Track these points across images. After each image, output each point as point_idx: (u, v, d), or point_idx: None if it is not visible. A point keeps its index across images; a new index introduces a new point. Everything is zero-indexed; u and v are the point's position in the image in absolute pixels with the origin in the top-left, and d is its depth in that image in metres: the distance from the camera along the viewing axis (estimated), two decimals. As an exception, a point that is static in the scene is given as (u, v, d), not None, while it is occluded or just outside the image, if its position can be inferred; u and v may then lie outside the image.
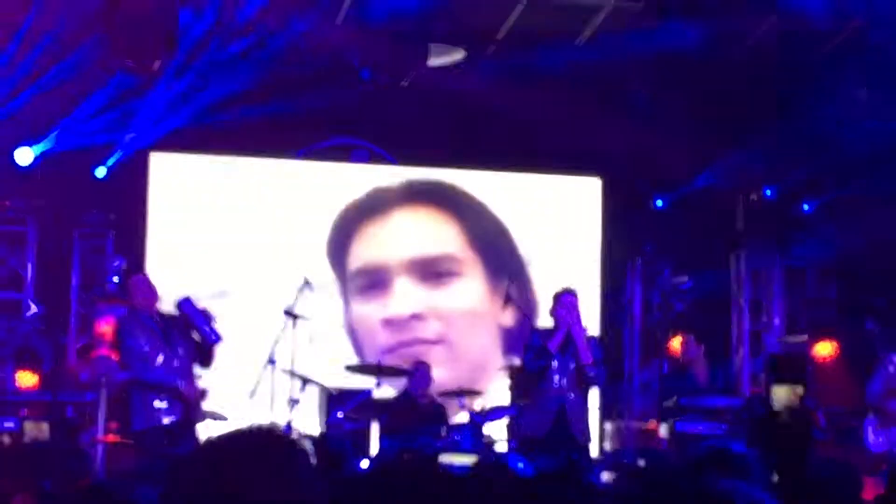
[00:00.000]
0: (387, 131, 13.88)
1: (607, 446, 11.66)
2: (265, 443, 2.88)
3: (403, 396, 11.94)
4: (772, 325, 14.37)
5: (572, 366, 10.01)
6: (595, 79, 13.28)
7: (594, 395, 11.08)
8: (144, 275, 9.95)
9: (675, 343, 13.95)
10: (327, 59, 12.74)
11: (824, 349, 13.75)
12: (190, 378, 9.45)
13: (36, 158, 12.59)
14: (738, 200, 14.47)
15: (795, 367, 11.94)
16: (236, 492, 2.76)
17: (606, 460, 11.66)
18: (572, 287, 10.44)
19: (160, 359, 9.38)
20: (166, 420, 9.30)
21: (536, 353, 9.99)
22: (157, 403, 9.28)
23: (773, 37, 12.57)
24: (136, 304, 9.49)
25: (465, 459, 9.47)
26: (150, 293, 9.49)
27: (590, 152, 13.84)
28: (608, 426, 12.47)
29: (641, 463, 9.93)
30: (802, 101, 12.92)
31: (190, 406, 9.40)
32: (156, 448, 9.10)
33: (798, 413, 10.96)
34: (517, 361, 11.02)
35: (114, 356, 9.83)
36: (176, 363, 9.36)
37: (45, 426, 8.69)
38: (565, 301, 10.11)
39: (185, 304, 9.48)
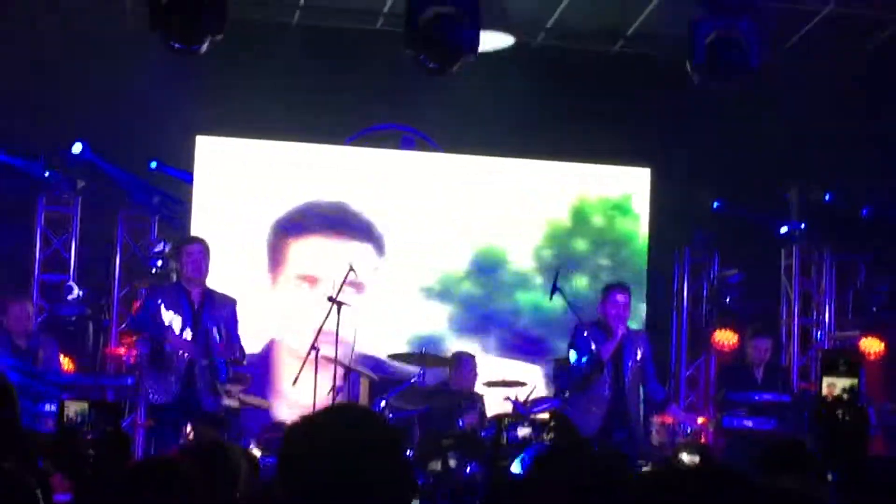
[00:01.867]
0: (435, 119, 13.77)
1: (654, 441, 11.49)
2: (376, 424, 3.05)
3: (444, 386, 11.84)
4: (822, 320, 14.16)
5: (629, 363, 9.82)
6: (645, 68, 13.13)
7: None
8: (200, 247, 9.70)
9: (723, 337, 13.75)
10: (377, 45, 12.66)
11: (873, 345, 13.53)
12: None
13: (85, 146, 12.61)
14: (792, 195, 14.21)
15: (849, 362, 11.74)
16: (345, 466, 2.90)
17: (651, 454, 11.50)
18: (624, 283, 10.23)
19: (187, 334, 9.30)
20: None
21: (589, 358, 9.78)
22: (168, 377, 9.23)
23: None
24: (184, 274, 9.42)
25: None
26: (196, 266, 9.38)
27: (640, 143, 13.71)
28: (654, 420, 12.29)
29: (686, 458, 9.75)
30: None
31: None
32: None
33: (854, 409, 10.75)
34: (563, 354, 10.85)
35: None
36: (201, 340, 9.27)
37: (85, 405, 8.61)
38: (614, 300, 9.89)
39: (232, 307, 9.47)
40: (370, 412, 3.20)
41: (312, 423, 3.04)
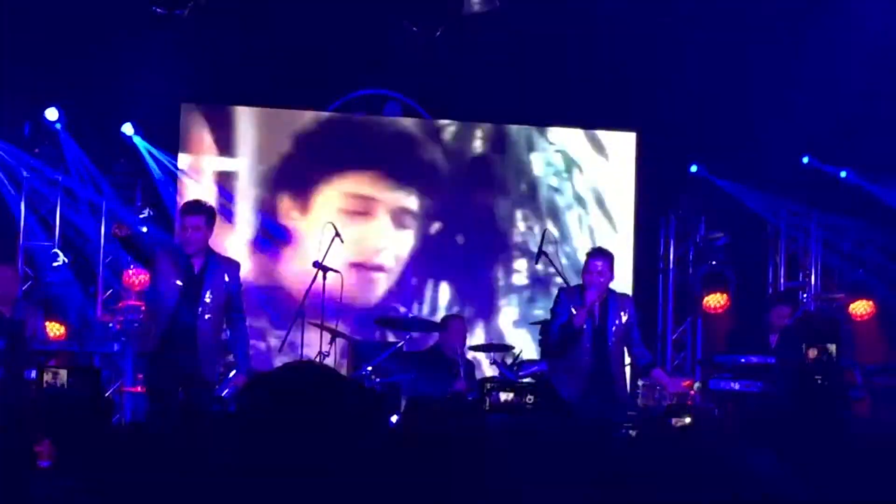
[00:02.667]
0: (420, 83, 13.73)
1: (640, 403, 11.51)
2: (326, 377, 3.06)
3: (433, 351, 11.81)
4: (808, 282, 14.17)
5: (612, 327, 9.79)
6: (633, 33, 13.08)
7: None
8: (195, 220, 9.30)
9: (713, 300, 13.74)
10: (360, 8, 12.58)
11: (861, 307, 13.55)
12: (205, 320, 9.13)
13: (63, 113, 12.52)
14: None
15: (828, 326, 11.78)
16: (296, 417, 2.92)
17: (638, 417, 11.52)
18: (604, 249, 10.18)
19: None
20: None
21: (561, 328, 9.77)
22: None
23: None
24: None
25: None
26: (189, 239, 9.14)
27: (625, 106, 13.69)
28: (640, 383, 12.31)
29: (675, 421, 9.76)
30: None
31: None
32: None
33: (832, 373, 10.79)
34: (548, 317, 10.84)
35: (141, 306, 9.68)
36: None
37: (63, 373, 8.55)
38: (590, 265, 9.85)
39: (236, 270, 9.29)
40: (327, 368, 3.19)
41: (268, 379, 3.05)
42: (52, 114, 12.53)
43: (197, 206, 9.22)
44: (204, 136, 13.44)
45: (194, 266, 9.01)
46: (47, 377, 8.44)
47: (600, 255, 9.89)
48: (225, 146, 13.47)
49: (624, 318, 9.87)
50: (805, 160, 13.74)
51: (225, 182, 13.39)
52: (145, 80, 12.31)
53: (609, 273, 9.86)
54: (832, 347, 10.81)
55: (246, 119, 13.56)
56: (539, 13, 12.84)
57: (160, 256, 9.04)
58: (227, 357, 10.16)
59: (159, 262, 9.00)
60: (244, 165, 13.50)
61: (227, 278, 9.11)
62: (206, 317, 9.01)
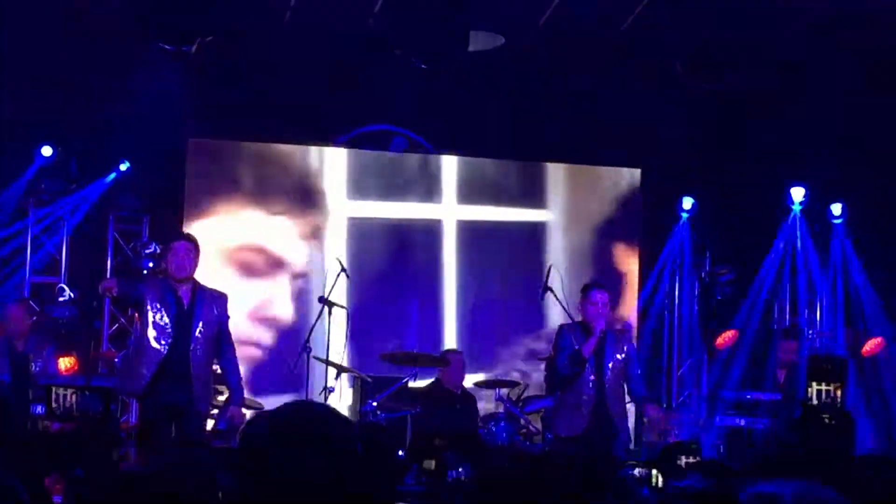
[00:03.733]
0: (425, 119, 13.77)
1: (644, 439, 11.51)
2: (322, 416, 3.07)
3: (435, 385, 11.83)
4: (813, 319, 14.14)
5: (609, 363, 9.81)
6: (637, 66, 13.12)
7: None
8: (185, 245, 9.37)
9: (724, 337, 13.69)
10: (365, 44, 12.62)
11: (871, 343, 13.53)
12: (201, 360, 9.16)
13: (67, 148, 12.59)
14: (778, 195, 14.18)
15: (835, 367, 11.79)
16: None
17: (643, 453, 11.51)
18: (600, 282, 10.24)
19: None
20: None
21: (570, 357, 9.78)
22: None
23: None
24: (170, 272, 9.23)
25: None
26: (180, 264, 9.16)
27: (630, 143, 13.73)
28: (646, 420, 12.30)
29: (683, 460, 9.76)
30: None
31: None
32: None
33: (839, 413, 10.80)
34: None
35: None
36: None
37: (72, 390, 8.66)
38: (592, 298, 9.88)
39: (223, 302, 9.32)
40: (328, 409, 3.22)
41: (270, 419, 3.08)
42: (46, 151, 12.60)
43: (184, 234, 9.67)
44: (210, 170, 13.48)
45: (183, 300, 9.08)
46: (55, 402, 8.53)
47: (600, 288, 9.97)
48: (231, 180, 13.50)
49: (622, 354, 9.89)
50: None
51: (230, 216, 13.41)
52: (152, 115, 12.35)
53: (608, 306, 9.93)
54: (838, 387, 10.83)
55: (251, 154, 13.60)
56: (542, 51, 12.88)
57: (150, 293, 9.10)
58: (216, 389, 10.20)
59: (149, 300, 9.06)
60: (248, 199, 13.52)
61: (216, 311, 9.18)
62: (198, 350, 9.07)
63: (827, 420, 10.54)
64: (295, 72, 12.91)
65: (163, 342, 8.98)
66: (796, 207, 13.71)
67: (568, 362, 9.73)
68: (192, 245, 9.21)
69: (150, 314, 9.03)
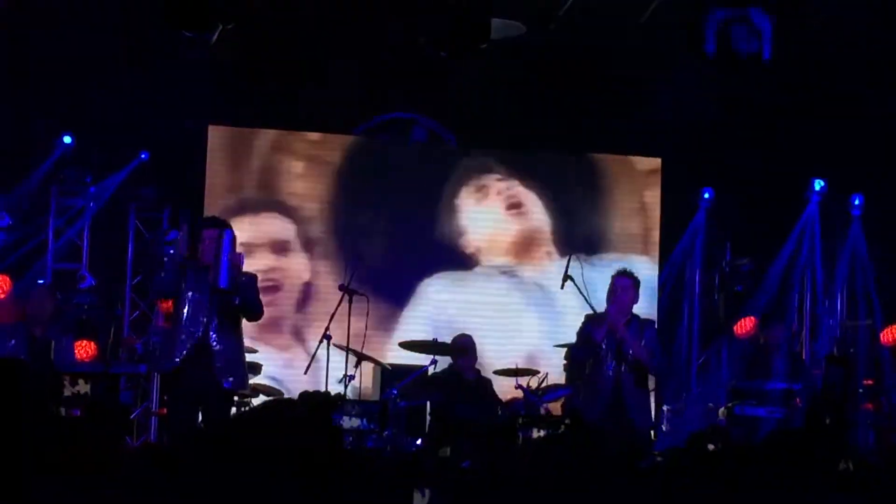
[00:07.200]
0: (446, 109, 13.77)
1: (665, 429, 11.51)
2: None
3: (451, 372, 11.82)
4: (834, 308, 14.09)
5: (629, 351, 9.80)
6: (655, 57, 13.09)
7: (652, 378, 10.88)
8: (213, 233, 9.38)
9: (743, 324, 13.67)
10: (386, 34, 12.63)
11: (890, 334, 13.46)
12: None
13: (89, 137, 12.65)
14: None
15: (838, 363, 11.83)
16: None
17: (661, 443, 11.51)
18: (627, 270, 10.23)
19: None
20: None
21: (583, 341, 9.81)
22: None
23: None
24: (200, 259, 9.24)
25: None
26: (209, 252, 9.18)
27: (650, 132, 13.70)
28: (665, 409, 12.30)
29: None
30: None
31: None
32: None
33: (836, 412, 10.85)
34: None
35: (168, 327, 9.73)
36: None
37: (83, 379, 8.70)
38: (614, 285, 9.92)
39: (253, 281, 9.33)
40: (300, 410, 3.27)
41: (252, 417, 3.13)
42: (67, 140, 12.68)
43: (213, 220, 9.43)
44: (230, 158, 13.51)
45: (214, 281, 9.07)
46: (67, 389, 8.58)
47: (624, 275, 9.97)
48: (251, 168, 13.53)
49: (643, 343, 9.88)
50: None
51: (251, 204, 13.44)
52: (172, 103, 12.39)
53: (634, 294, 9.91)
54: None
55: (271, 141, 13.62)
56: (562, 41, 12.86)
57: (186, 281, 9.13)
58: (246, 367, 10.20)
59: (187, 281, 9.10)
60: (268, 187, 13.55)
61: (245, 291, 9.18)
62: (228, 329, 9.10)
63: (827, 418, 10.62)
64: (316, 60, 12.92)
65: (193, 320, 9.03)
66: (817, 193, 13.68)
67: (580, 345, 9.78)
68: (218, 231, 9.18)
69: (185, 293, 9.08)
